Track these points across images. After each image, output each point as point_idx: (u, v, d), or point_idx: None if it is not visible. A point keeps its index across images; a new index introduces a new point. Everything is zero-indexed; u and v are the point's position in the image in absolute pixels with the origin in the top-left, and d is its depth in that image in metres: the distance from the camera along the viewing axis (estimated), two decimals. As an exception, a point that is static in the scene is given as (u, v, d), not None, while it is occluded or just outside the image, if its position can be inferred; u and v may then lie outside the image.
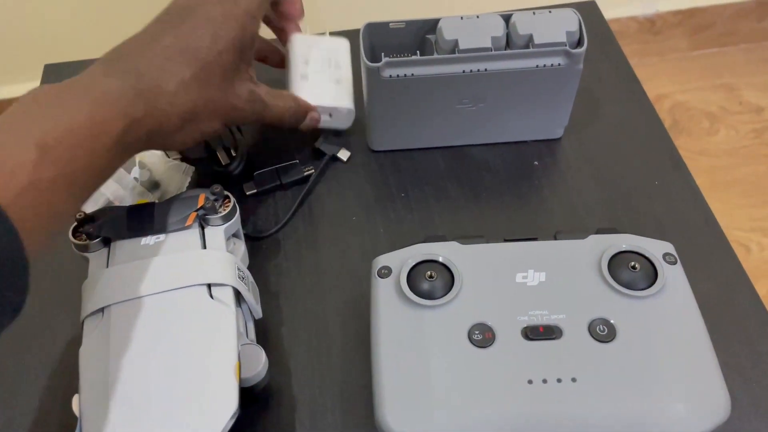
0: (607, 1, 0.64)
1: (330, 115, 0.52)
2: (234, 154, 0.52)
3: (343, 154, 0.54)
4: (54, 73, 0.62)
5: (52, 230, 0.32)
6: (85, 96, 0.34)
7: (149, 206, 0.42)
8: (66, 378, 0.43)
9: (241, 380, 0.37)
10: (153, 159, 0.50)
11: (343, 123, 0.53)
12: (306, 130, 0.50)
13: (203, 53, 0.39)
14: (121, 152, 0.36)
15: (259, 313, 0.43)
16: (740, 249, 1.19)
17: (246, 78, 0.43)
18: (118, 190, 0.49)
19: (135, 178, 0.49)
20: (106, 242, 0.41)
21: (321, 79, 0.51)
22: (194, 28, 0.40)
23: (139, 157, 0.50)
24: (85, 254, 0.41)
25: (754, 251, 1.19)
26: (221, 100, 0.41)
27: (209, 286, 0.39)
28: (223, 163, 0.52)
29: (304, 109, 0.49)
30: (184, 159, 0.51)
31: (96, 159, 0.34)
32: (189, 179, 0.50)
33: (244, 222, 0.49)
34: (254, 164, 0.53)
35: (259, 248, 0.49)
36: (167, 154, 0.51)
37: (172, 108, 0.38)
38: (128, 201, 0.47)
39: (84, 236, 0.41)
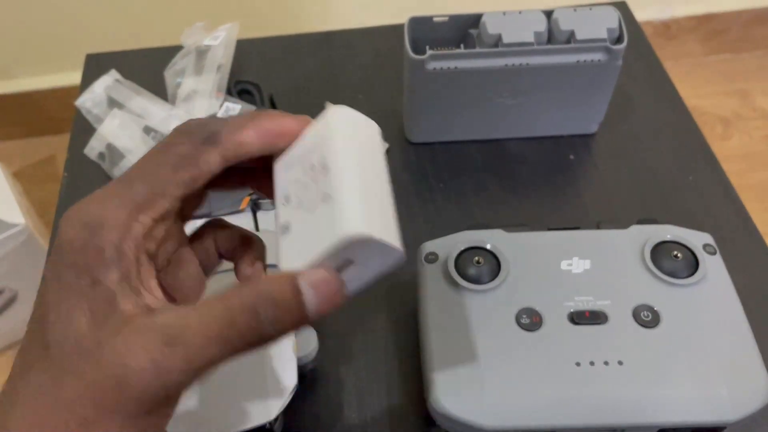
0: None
1: (352, 262, 0.26)
2: None
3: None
4: (95, 62, 0.63)
5: None
6: None
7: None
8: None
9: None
10: None
11: (382, 262, 0.28)
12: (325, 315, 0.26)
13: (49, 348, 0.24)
14: None
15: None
16: (753, 252, 1.20)
17: (125, 319, 0.24)
18: None
19: None
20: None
21: (302, 216, 0.26)
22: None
23: None
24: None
25: (768, 254, 1.20)
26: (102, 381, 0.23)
27: (266, 266, 0.40)
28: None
29: (281, 300, 0.24)
30: None
31: None
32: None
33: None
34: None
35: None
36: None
37: None
38: None
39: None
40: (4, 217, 0.95)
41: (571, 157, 0.54)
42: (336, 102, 0.52)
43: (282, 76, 0.61)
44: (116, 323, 0.24)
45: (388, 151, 0.55)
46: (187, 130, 0.27)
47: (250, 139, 0.26)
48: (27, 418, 0.24)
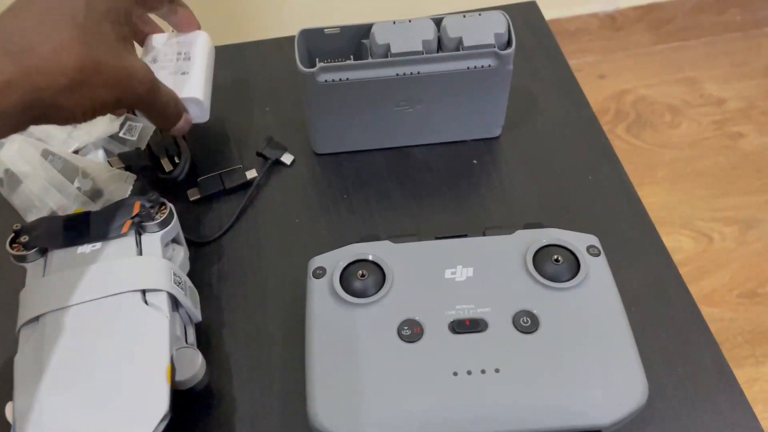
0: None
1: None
2: (177, 161, 0.53)
3: (287, 158, 0.55)
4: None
5: None
6: None
7: (85, 215, 0.43)
8: (1, 386, 0.43)
9: (176, 383, 0.38)
10: (95, 168, 0.51)
11: (199, 116, 0.49)
12: (176, 134, 0.48)
13: (80, 18, 0.37)
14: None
15: (198, 317, 0.44)
16: (703, 239, 1.21)
17: (135, 53, 0.42)
18: (61, 200, 0.50)
19: (78, 188, 0.50)
20: (43, 252, 0.42)
21: (164, 74, 0.47)
22: None
23: (81, 167, 0.51)
24: (23, 264, 0.42)
25: (716, 240, 1.21)
26: (114, 65, 0.38)
27: (144, 292, 0.40)
28: (167, 170, 0.52)
29: (181, 106, 0.46)
30: (127, 168, 0.52)
31: None
32: (131, 187, 0.51)
33: (188, 228, 0.50)
34: (198, 170, 0.54)
35: (203, 253, 0.50)
36: (110, 163, 0.52)
37: (53, 66, 0.35)
38: (72, 211, 0.47)
39: (21, 247, 0.42)
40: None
41: (475, 161, 0.54)
42: (244, 115, 0.51)
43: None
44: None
45: (294, 163, 0.55)
46: None
47: None
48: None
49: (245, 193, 0.53)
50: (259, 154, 0.55)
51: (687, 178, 1.30)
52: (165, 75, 0.47)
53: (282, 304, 0.47)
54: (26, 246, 0.42)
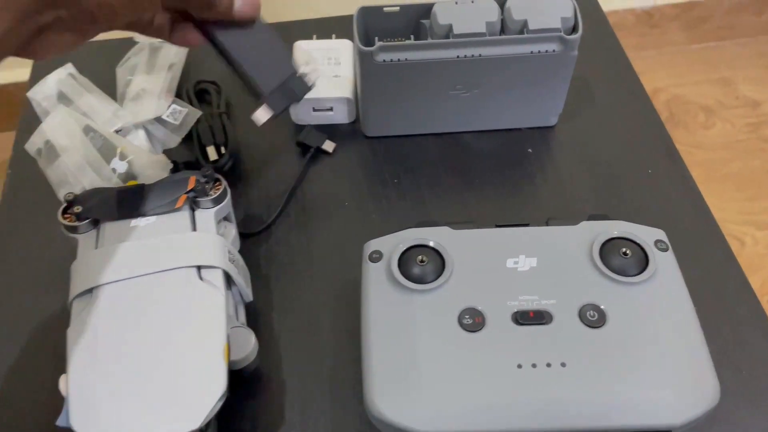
0: None
1: (331, 109, 0.54)
2: (223, 151, 0.52)
3: (329, 146, 0.54)
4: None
5: None
6: None
7: (139, 188, 0.42)
8: (54, 359, 0.42)
9: (230, 363, 0.37)
10: (134, 150, 0.50)
11: (344, 116, 0.55)
12: (243, 19, 0.37)
13: None
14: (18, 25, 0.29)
15: (249, 296, 0.43)
16: (734, 242, 1.19)
17: None
18: (95, 180, 0.49)
19: (113, 169, 0.49)
20: (95, 224, 0.41)
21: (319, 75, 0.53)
22: None
23: (120, 147, 0.50)
24: (74, 235, 0.41)
25: (749, 244, 1.19)
26: None
27: (198, 268, 0.39)
28: (212, 159, 0.51)
29: None
30: (174, 164, 0.50)
31: None
32: (167, 174, 0.50)
33: (236, 214, 0.49)
34: (241, 161, 0.53)
35: (252, 235, 0.49)
36: (155, 148, 0.51)
37: None
38: None
39: (73, 217, 0.41)
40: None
41: (530, 150, 0.53)
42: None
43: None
44: None
45: (341, 147, 0.54)
46: None
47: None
48: None
49: (292, 177, 0.52)
50: (300, 144, 0.54)
51: (719, 180, 1.27)
52: (319, 78, 0.52)
53: (331, 288, 0.46)
54: (79, 217, 0.41)
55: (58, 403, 0.34)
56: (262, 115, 0.40)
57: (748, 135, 1.34)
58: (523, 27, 0.47)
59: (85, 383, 0.34)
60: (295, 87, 0.40)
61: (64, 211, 0.41)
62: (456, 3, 0.48)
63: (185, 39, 0.38)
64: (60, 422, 0.34)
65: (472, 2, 0.48)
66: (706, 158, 1.31)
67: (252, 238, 0.49)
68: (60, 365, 0.36)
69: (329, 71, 0.55)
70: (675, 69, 1.44)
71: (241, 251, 0.46)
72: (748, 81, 1.42)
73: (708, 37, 1.46)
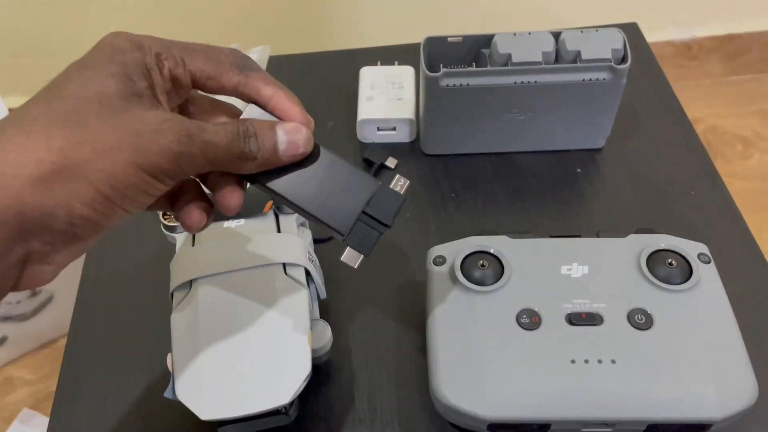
0: (644, 25, 0.68)
1: (394, 128, 0.59)
2: None
3: (391, 162, 0.58)
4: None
5: None
6: None
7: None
8: (160, 339, 0.47)
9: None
10: None
11: (406, 136, 0.60)
12: (297, 155, 0.33)
13: (67, 89, 0.28)
14: None
15: (324, 293, 0.47)
16: (772, 271, 1.20)
17: (152, 106, 0.30)
18: None
19: None
20: (193, 224, 0.46)
21: (384, 98, 0.60)
22: (63, 79, 0.29)
23: None
24: (173, 234, 0.46)
25: (786, 274, 1.20)
26: (107, 137, 0.27)
27: (284, 265, 0.43)
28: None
29: (263, 127, 0.32)
30: None
31: None
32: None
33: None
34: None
35: (324, 240, 0.54)
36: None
37: (11, 159, 0.26)
38: None
39: (173, 218, 0.46)
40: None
41: (578, 170, 0.57)
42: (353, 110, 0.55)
43: (310, 91, 0.65)
44: (144, 103, 0.29)
45: (399, 166, 0.59)
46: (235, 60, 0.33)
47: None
48: (25, 135, 0.26)
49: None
50: (365, 160, 0.59)
51: (757, 210, 1.29)
52: (383, 99, 0.59)
53: (395, 289, 0.50)
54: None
55: (166, 376, 0.39)
56: (351, 258, 0.35)
57: (787, 166, 1.36)
58: (576, 57, 0.52)
59: (188, 361, 0.39)
60: (385, 202, 0.34)
61: (164, 214, 0.46)
62: (515, 34, 0.53)
63: (190, 219, 0.33)
64: (167, 394, 0.38)
65: (530, 34, 0.53)
66: (744, 188, 1.33)
67: (324, 244, 0.53)
68: (164, 346, 0.40)
69: (393, 94, 0.60)
70: (713, 100, 1.46)
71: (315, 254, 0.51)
72: (787, 113, 1.44)
73: (746, 69, 1.49)
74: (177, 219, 0.33)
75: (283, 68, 0.67)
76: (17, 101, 0.36)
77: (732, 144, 1.40)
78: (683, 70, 1.48)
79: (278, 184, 0.33)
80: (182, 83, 0.32)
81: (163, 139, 0.28)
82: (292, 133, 0.32)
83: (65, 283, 1.00)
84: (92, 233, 0.29)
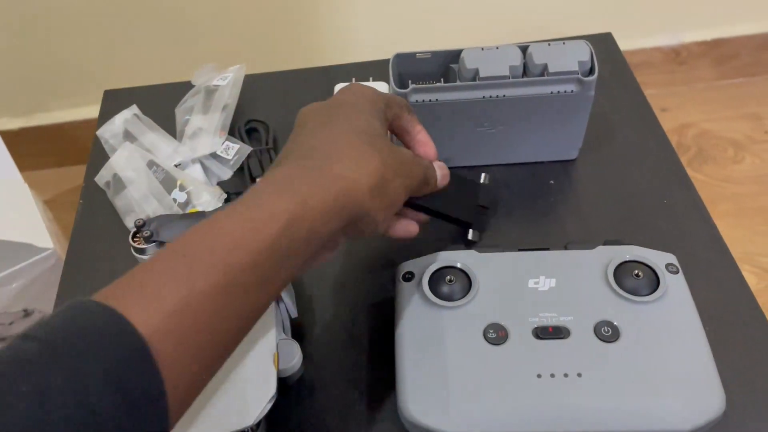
0: (632, 32, 0.68)
1: None
2: None
3: None
4: (113, 97, 0.68)
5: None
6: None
7: (200, 214, 0.47)
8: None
9: (278, 371, 0.41)
10: (192, 182, 0.56)
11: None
12: (442, 186, 0.45)
13: (354, 122, 0.39)
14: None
15: (294, 312, 0.47)
16: (765, 275, 1.20)
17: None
18: (158, 208, 0.55)
19: (174, 199, 0.55)
20: (161, 245, 0.46)
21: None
22: (345, 116, 0.40)
23: (180, 179, 0.56)
24: (143, 256, 0.46)
25: (779, 277, 1.20)
26: (394, 158, 0.39)
27: None
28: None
29: (430, 163, 0.45)
30: (227, 195, 0.56)
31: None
32: (222, 204, 0.55)
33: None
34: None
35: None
36: (210, 180, 0.56)
37: (354, 170, 0.36)
38: None
39: (142, 240, 0.46)
40: (34, 241, 1.00)
41: (552, 182, 0.57)
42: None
43: (286, 109, 0.65)
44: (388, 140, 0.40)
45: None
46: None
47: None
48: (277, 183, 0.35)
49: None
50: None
51: (749, 214, 1.29)
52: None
53: (367, 305, 0.50)
54: (147, 240, 0.46)
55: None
56: (474, 235, 0.51)
57: (779, 169, 1.35)
58: (544, 70, 0.52)
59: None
60: (483, 196, 0.52)
61: (134, 235, 0.47)
62: (482, 49, 0.53)
63: (407, 230, 0.44)
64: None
65: (497, 48, 0.53)
66: (736, 192, 1.32)
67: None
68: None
69: None
70: (703, 105, 1.46)
71: (286, 273, 0.51)
72: (778, 116, 1.43)
73: (736, 73, 1.49)
74: (396, 234, 0.44)
75: (259, 87, 0.67)
76: None
77: (723, 148, 1.40)
78: (672, 75, 1.48)
79: (430, 203, 0.46)
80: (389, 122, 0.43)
81: (419, 168, 0.42)
82: (442, 169, 0.45)
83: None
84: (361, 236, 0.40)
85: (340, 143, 0.38)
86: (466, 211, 0.50)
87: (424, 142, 0.45)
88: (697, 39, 1.43)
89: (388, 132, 0.44)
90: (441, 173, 0.45)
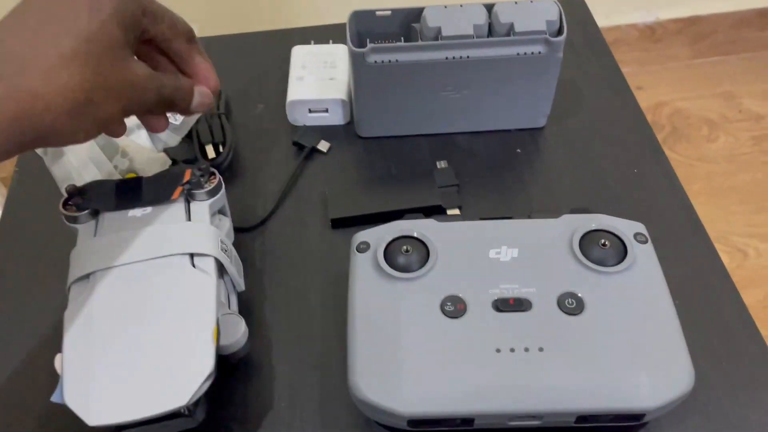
0: (607, 9, 0.65)
1: (326, 110, 0.56)
2: (222, 150, 0.54)
3: (323, 146, 0.55)
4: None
5: None
6: None
7: (137, 180, 0.44)
8: (51, 340, 0.44)
9: (220, 347, 0.38)
10: (135, 148, 0.52)
11: (339, 118, 0.57)
12: (202, 112, 0.42)
13: (83, 23, 0.32)
14: None
15: (241, 285, 0.44)
16: (738, 254, 1.19)
17: (133, 55, 0.36)
18: (97, 176, 0.51)
19: (115, 166, 0.51)
20: (95, 214, 0.43)
21: (315, 78, 0.57)
22: (72, 12, 0.33)
23: (122, 146, 0.52)
24: (75, 225, 0.43)
25: (752, 256, 1.19)
26: (120, 77, 0.34)
27: (192, 256, 0.40)
28: (211, 157, 0.53)
29: (189, 86, 0.40)
30: (174, 162, 0.52)
31: None
32: (168, 171, 0.51)
33: (233, 210, 0.51)
34: (238, 159, 0.55)
35: (247, 229, 0.51)
36: (156, 146, 0.53)
37: (50, 87, 0.31)
38: None
39: (74, 208, 0.43)
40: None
41: (518, 150, 0.54)
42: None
43: (241, 74, 0.62)
44: (131, 53, 0.35)
45: (335, 147, 0.56)
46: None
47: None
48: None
49: (287, 174, 0.54)
50: (296, 143, 0.55)
51: (723, 193, 1.28)
52: (314, 79, 0.56)
53: (322, 280, 0.47)
54: (79, 207, 0.43)
55: (54, 381, 0.36)
56: (452, 213, 0.51)
57: (752, 148, 1.35)
58: (510, 30, 0.49)
59: (79, 362, 0.36)
60: (440, 179, 0.52)
61: (65, 203, 0.43)
62: (445, 7, 0.50)
63: (156, 129, 0.42)
64: (54, 398, 0.35)
65: (461, 6, 0.50)
66: (710, 171, 1.31)
67: (248, 233, 0.50)
68: (58, 346, 0.37)
69: (325, 74, 0.57)
70: (678, 83, 1.45)
71: (236, 244, 0.48)
72: (752, 95, 1.43)
73: (711, 52, 1.47)
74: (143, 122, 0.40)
75: (214, 49, 0.62)
76: None
77: (698, 127, 1.38)
78: (647, 53, 1.46)
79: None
80: (150, 39, 0.37)
81: (151, 93, 0.36)
82: (204, 96, 0.41)
83: None
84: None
85: (44, 47, 0.31)
86: (429, 197, 0.50)
87: (204, 77, 0.40)
88: (672, 16, 1.42)
89: (154, 52, 0.39)
90: (200, 100, 0.40)
